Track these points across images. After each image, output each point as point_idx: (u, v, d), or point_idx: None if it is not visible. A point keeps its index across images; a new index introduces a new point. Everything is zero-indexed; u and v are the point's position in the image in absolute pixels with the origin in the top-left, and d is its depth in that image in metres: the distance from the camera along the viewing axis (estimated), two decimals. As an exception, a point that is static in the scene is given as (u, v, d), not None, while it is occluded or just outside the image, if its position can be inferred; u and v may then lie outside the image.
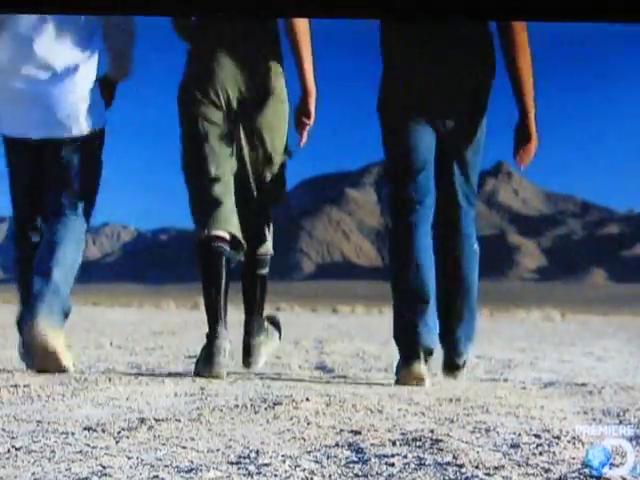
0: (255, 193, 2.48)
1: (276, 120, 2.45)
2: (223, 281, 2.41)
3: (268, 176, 2.48)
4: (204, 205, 2.43)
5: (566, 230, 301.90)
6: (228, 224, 2.41)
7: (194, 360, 2.59)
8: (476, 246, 2.63)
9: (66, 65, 2.48)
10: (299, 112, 2.51)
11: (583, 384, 2.57)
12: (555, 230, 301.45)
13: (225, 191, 2.42)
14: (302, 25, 2.42)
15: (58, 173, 2.55)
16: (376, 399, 2.07)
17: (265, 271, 2.61)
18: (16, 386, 2.12)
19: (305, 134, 2.52)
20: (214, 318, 2.43)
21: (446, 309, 2.57)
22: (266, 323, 2.66)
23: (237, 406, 1.87)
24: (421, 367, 2.43)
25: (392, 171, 2.63)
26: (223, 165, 2.42)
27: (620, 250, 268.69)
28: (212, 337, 2.41)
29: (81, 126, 2.52)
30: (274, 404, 1.88)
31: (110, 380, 2.32)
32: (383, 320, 13.42)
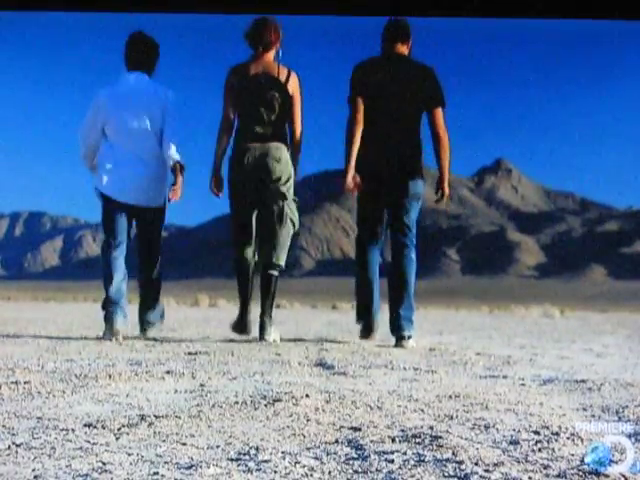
0: (275, 224, 3.86)
1: (285, 186, 3.85)
2: (250, 282, 3.96)
3: (283, 213, 3.85)
4: (238, 238, 3.94)
5: (565, 227, 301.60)
6: (251, 250, 3.95)
7: (194, 357, 3.11)
8: (414, 255, 3.90)
9: (156, 161, 4.00)
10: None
11: (582, 381, 2.57)
12: (554, 227, 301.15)
13: (250, 230, 3.93)
14: (300, 141, 3.91)
15: (143, 228, 4.15)
16: (376, 396, 2.08)
17: (276, 274, 3.95)
18: (17, 383, 2.13)
19: None
20: (244, 304, 3.97)
21: (395, 302, 3.85)
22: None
23: (237, 403, 1.88)
24: (374, 335, 4.00)
25: (359, 228, 4.06)
26: (249, 214, 3.92)
27: (619, 247, 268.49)
28: (242, 314, 3.96)
29: (163, 199, 4.11)
30: (274, 401, 1.89)
31: (110, 377, 2.33)
32: (382, 317, 13.38)
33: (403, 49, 3.81)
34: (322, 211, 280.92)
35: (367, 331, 3.99)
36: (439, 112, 3.80)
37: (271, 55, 3.84)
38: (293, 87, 3.81)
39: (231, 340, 4.16)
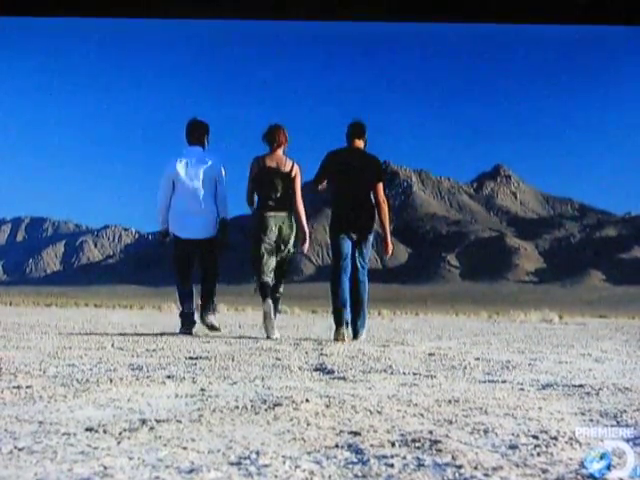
0: (282, 258, 5.54)
1: (292, 238, 5.53)
2: (270, 298, 5.37)
3: (286, 260, 5.59)
4: (259, 267, 5.46)
5: (564, 232, 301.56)
6: (270, 274, 5.49)
7: (195, 362, 3.14)
8: (367, 281, 5.55)
9: (210, 208, 5.79)
10: (302, 240, 5.63)
11: (581, 385, 2.58)
12: (553, 232, 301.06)
13: (270, 260, 5.51)
14: (301, 209, 5.59)
15: (202, 254, 5.84)
16: (375, 400, 2.08)
17: (278, 297, 5.62)
18: (18, 387, 2.13)
19: (305, 246, 5.65)
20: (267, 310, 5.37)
21: (354, 313, 5.39)
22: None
23: (237, 407, 1.89)
24: (344, 330, 5.25)
25: (334, 256, 5.56)
26: (271, 251, 5.50)
27: (617, 252, 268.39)
28: (267, 317, 5.32)
29: (214, 231, 5.83)
30: (274, 405, 1.90)
31: (111, 381, 2.34)
32: (382, 322, 13.45)
33: (360, 143, 5.65)
34: (322, 217, 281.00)
35: (340, 326, 5.27)
36: (380, 186, 5.55)
37: (281, 151, 5.60)
38: (295, 173, 5.57)
39: (231, 345, 4.16)
